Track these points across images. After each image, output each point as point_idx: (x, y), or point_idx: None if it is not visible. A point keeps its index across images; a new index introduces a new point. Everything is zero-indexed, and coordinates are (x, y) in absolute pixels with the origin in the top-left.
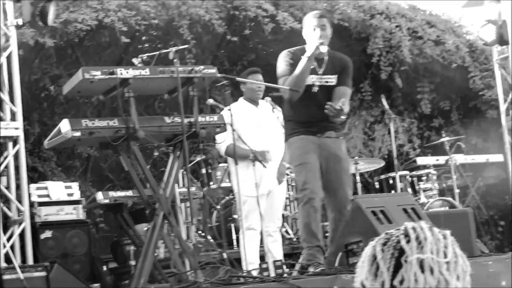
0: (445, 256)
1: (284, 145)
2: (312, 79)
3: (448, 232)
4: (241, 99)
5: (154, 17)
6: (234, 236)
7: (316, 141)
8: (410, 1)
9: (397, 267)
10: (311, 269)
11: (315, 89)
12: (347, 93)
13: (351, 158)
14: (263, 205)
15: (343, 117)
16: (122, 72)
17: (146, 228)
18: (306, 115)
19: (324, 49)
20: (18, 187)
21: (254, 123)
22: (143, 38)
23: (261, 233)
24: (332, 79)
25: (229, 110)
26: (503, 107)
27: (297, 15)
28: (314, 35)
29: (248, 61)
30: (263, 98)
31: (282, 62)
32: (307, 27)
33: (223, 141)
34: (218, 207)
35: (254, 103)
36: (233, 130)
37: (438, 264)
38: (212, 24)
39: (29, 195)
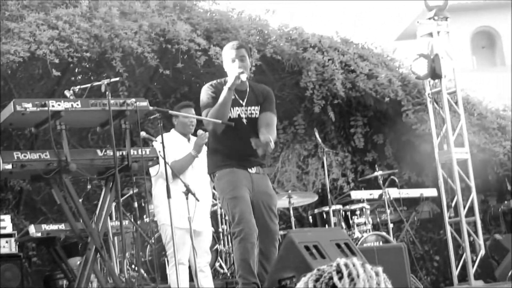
0: None
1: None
2: (237, 111)
3: (380, 269)
4: (173, 130)
5: (86, 49)
6: (167, 271)
7: (248, 176)
8: (342, 35)
9: None
10: None
11: (241, 121)
12: (273, 119)
13: (284, 192)
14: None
15: (271, 147)
16: (54, 105)
17: (78, 262)
18: (234, 148)
19: (244, 77)
20: None
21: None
22: (76, 70)
23: (190, 268)
24: (255, 110)
25: (161, 142)
26: (436, 141)
27: None
28: (233, 66)
29: (181, 94)
30: (195, 132)
31: (204, 95)
32: (226, 58)
33: (156, 173)
34: (151, 241)
35: (186, 137)
36: (166, 163)
37: None
38: (145, 57)
39: None
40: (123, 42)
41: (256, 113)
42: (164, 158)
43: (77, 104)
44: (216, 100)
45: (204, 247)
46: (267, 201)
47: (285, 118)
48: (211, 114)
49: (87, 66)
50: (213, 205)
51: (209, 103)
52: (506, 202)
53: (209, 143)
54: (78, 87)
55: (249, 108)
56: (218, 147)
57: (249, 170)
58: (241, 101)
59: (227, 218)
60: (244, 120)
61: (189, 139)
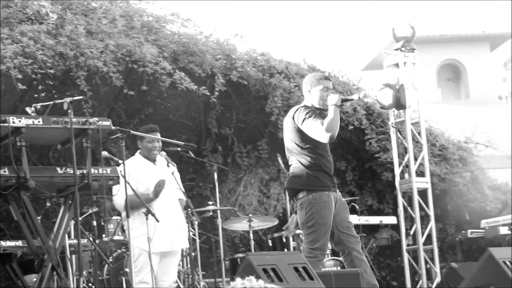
0: None
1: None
2: None
3: None
4: (137, 154)
5: (51, 66)
6: None
7: (335, 198)
8: (310, 62)
9: None
10: None
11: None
12: None
13: (245, 215)
14: (157, 260)
15: None
16: (15, 121)
17: (34, 279)
18: (330, 165)
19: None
20: None
21: (150, 179)
22: (40, 87)
23: None
24: None
25: (124, 164)
26: (397, 170)
27: (196, 71)
28: (329, 94)
29: (146, 115)
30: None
31: (308, 114)
32: (318, 85)
33: (116, 193)
34: (110, 260)
35: (151, 160)
36: (126, 182)
37: None
38: (109, 76)
39: None
40: (88, 61)
41: None
42: (125, 179)
43: (38, 121)
44: (318, 117)
45: (172, 266)
46: (344, 211)
47: (249, 143)
48: (327, 127)
49: (51, 83)
50: None
51: (317, 118)
52: (463, 231)
53: (307, 158)
54: (40, 104)
55: None
56: (320, 164)
57: (337, 191)
58: None
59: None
60: None
61: (154, 161)
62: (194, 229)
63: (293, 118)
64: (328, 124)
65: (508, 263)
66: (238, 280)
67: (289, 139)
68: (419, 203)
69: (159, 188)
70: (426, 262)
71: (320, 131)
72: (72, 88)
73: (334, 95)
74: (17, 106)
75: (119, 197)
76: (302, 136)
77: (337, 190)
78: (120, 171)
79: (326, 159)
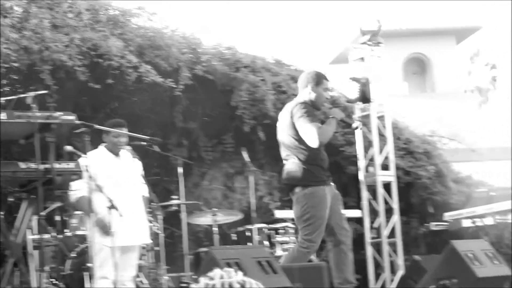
0: None
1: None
2: None
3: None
4: (101, 147)
5: (15, 60)
6: (87, 285)
7: (330, 191)
8: (276, 56)
9: None
10: None
11: None
12: None
13: (209, 210)
14: (118, 255)
15: None
16: None
17: None
18: (325, 161)
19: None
20: None
21: (112, 171)
22: (3, 81)
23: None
24: None
25: (87, 157)
26: (362, 163)
27: (161, 65)
28: (337, 109)
29: (111, 109)
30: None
31: (306, 113)
32: (320, 84)
33: (78, 189)
34: (73, 255)
35: (115, 154)
36: (90, 177)
37: None
38: (75, 70)
39: None
40: (53, 55)
41: None
42: (88, 173)
43: (2, 116)
44: (313, 117)
45: (131, 261)
46: (337, 204)
47: (214, 137)
48: (320, 134)
49: (15, 78)
50: None
51: (312, 120)
52: (426, 224)
53: (303, 153)
54: (4, 98)
55: None
56: (316, 158)
57: (329, 183)
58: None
59: (158, 231)
60: None
61: (117, 155)
62: (158, 223)
63: (291, 112)
64: (323, 133)
65: (470, 255)
66: (217, 271)
67: (287, 134)
68: (384, 196)
69: (104, 232)
70: (389, 255)
71: (312, 135)
72: (37, 82)
73: (340, 111)
74: None
75: (76, 194)
76: None
77: (332, 183)
78: (85, 166)
79: (322, 153)
